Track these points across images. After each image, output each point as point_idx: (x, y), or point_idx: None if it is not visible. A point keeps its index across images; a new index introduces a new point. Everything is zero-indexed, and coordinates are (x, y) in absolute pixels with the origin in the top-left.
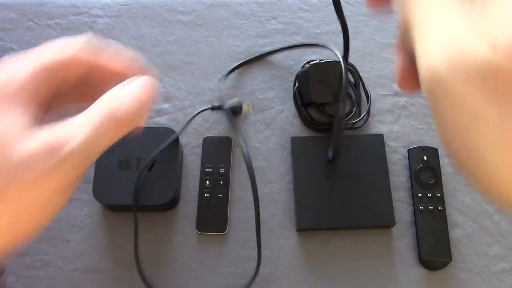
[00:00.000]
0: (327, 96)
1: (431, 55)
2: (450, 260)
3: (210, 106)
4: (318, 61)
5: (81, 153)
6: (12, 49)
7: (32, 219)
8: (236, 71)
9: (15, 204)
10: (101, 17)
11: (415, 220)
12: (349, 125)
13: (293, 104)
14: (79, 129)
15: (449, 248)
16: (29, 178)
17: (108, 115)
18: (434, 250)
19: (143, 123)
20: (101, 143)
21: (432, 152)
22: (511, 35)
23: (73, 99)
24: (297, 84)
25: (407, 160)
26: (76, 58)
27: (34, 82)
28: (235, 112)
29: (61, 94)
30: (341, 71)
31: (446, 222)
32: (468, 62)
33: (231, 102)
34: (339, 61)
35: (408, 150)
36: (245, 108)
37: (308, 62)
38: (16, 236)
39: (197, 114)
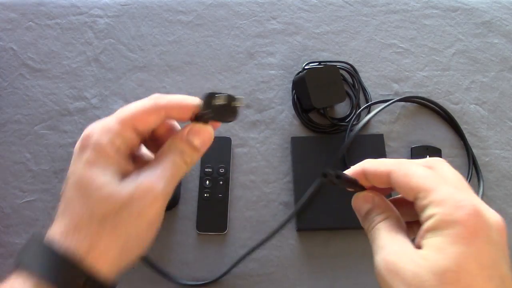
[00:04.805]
0: (327, 100)
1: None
2: None
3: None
4: (314, 64)
5: (165, 193)
6: (12, 49)
7: (137, 245)
8: (236, 71)
9: (125, 235)
10: (101, 17)
11: None
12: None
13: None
14: (162, 175)
15: None
16: (131, 215)
17: (179, 161)
18: None
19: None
20: (176, 182)
21: (435, 152)
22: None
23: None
24: (294, 91)
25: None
26: (156, 107)
27: (122, 139)
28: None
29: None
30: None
31: None
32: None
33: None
34: (334, 64)
35: (411, 148)
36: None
37: (304, 68)
38: (127, 260)
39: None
